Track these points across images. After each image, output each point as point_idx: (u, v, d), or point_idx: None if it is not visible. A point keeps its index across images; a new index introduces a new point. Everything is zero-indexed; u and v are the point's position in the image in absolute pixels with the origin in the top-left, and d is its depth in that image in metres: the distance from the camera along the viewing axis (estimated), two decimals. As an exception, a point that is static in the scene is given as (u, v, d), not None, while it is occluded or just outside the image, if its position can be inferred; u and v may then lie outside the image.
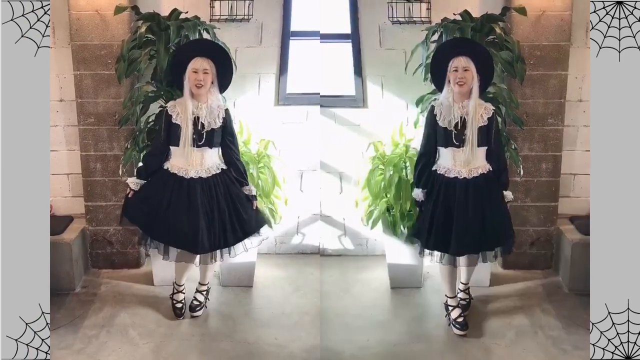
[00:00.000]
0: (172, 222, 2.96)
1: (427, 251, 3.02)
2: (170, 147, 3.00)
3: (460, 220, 2.87)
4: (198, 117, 2.95)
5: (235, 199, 3.06)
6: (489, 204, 2.91)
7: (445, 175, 2.92)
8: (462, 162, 2.89)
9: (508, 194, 3.03)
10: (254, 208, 3.14)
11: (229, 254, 3.09)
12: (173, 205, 2.96)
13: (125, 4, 3.36)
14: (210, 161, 3.02)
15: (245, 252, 3.14)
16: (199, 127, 2.95)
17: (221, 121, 3.00)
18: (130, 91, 3.40)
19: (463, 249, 2.92)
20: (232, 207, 3.04)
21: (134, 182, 3.03)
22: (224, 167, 3.08)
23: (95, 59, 3.48)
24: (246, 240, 3.10)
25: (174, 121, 2.95)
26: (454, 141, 2.87)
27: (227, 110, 3.06)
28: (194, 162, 2.97)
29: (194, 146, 2.95)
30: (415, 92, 3.50)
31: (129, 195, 3.05)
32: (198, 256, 3.10)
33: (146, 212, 2.99)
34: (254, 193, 3.16)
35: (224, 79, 3.04)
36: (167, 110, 2.99)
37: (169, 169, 3.00)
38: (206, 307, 3.27)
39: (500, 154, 3.01)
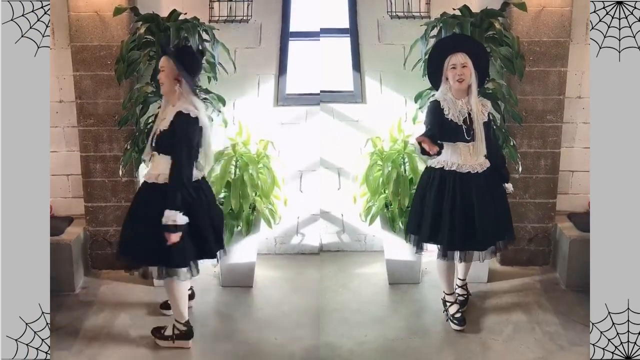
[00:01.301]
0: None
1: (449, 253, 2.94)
2: None
3: (483, 216, 2.83)
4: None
5: (207, 206, 2.83)
6: (499, 197, 2.95)
7: (458, 171, 2.87)
8: (471, 157, 2.87)
9: (509, 186, 3.04)
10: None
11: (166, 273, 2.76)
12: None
13: (124, 5, 3.38)
14: (159, 168, 2.73)
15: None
16: (154, 131, 2.78)
17: (168, 124, 2.69)
18: (130, 92, 3.41)
19: (488, 243, 2.91)
20: (210, 214, 2.82)
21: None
22: None
23: (95, 60, 3.49)
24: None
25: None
26: (465, 136, 2.84)
27: (179, 114, 2.67)
28: (150, 166, 2.82)
29: (152, 150, 2.78)
30: (414, 87, 3.50)
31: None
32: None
33: None
34: (168, 221, 2.60)
35: (189, 70, 2.74)
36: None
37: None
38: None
39: (499, 147, 3.03)
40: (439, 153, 2.73)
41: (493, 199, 2.90)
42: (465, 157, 2.88)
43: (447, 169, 2.90)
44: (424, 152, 2.70)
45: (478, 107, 2.85)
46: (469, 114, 2.84)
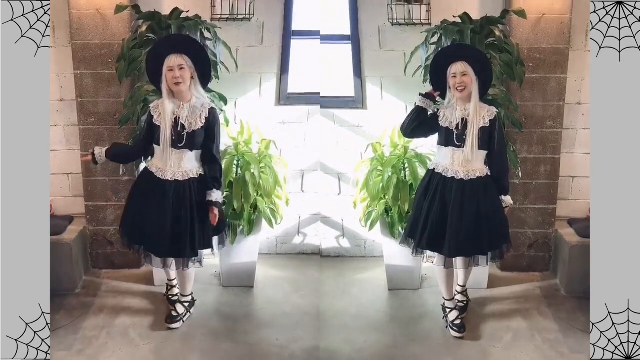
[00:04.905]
0: (142, 221, 2.92)
1: (420, 250, 3.02)
2: (154, 145, 2.93)
3: (454, 221, 2.88)
4: (178, 118, 2.84)
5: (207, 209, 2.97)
6: (485, 207, 2.90)
7: (443, 174, 2.93)
8: (460, 162, 2.90)
9: (508, 199, 3.01)
10: (216, 215, 2.92)
11: (193, 262, 3.01)
12: (145, 204, 2.92)
13: (126, 3, 3.37)
14: (189, 164, 2.90)
15: (198, 264, 3.05)
16: (179, 129, 2.84)
17: (203, 121, 2.86)
18: (131, 90, 3.41)
19: (456, 250, 2.92)
20: (202, 215, 2.93)
21: (99, 153, 2.98)
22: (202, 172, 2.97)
23: (96, 58, 3.48)
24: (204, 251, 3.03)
25: (154, 122, 2.87)
26: (455, 141, 2.89)
27: (212, 110, 2.90)
28: (172, 164, 2.87)
29: (173, 148, 2.85)
30: (414, 93, 3.44)
31: (82, 159, 3.19)
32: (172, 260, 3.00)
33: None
34: (218, 199, 2.94)
35: (203, 72, 2.90)
36: (150, 110, 2.92)
37: (149, 168, 2.96)
38: (183, 321, 3.15)
39: (503, 157, 2.99)
40: (440, 96, 2.98)
41: (475, 210, 2.87)
42: (454, 162, 2.91)
43: (436, 171, 2.97)
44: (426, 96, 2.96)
45: (479, 112, 2.87)
46: (464, 120, 2.87)
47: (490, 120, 2.88)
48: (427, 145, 3.56)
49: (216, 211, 2.92)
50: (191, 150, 2.87)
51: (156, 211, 2.88)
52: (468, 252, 2.96)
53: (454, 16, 3.35)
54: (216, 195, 2.93)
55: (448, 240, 2.89)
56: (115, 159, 3.07)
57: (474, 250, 2.95)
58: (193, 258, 2.98)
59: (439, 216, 2.91)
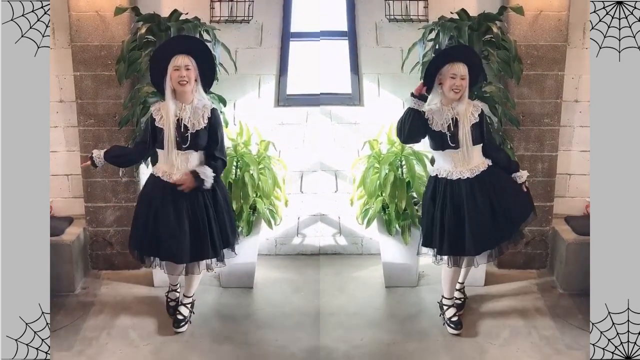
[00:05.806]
0: (157, 230, 2.88)
1: (440, 257, 3.00)
2: (157, 150, 2.93)
3: (473, 220, 2.87)
4: (181, 119, 2.85)
5: (221, 205, 2.97)
6: (496, 197, 2.92)
7: (448, 178, 2.93)
8: (461, 163, 2.90)
9: (522, 174, 2.99)
10: (186, 180, 2.85)
11: (217, 263, 3.02)
12: (158, 212, 2.88)
13: (125, 5, 3.38)
14: (193, 164, 2.90)
15: (221, 263, 3.05)
16: (182, 130, 2.84)
17: (206, 121, 2.87)
18: (131, 92, 3.42)
19: (481, 248, 2.93)
20: (216, 215, 2.94)
21: (98, 155, 2.96)
22: None
23: (96, 60, 3.50)
24: (224, 251, 3.03)
25: (157, 124, 2.87)
26: (450, 143, 2.89)
27: (214, 110, 2.92)
28: (179, 166, 2.86)
29: (178, 149, 2.85)
30: (411, 90, 3.47)
31: (82, 165, 3.14)
32: (183, 265, 2.99)
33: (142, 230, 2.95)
34: (205, 173, 2.86)
35: (207, 74, 2.92)
36: (151, 113, 2.91)
37: (155, 173, 2.94)
38: (190, 322, 3.14)
39: (496, 144, 3.05)
40: (427, 92, 2.90)
41: (488, 203, 2.89)
42: (456, 164, 2.92)
43: (440, 176, 2.96)
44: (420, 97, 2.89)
45: (467, 111, 2.88)
46: (454, 120, 2.87)
47: (478, 115, 2.91)
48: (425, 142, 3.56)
49: (190, 178, 2.83)
50: (196, 151, 2.88)
51: (171, 216, 2.86)
52: (491, 245, 2.97)
53: (451, 12, 3.36)
54: (204, 170, 2.86)
55: (472, 240, 2.88)
56: (114, 162, 3.03)
57: (496, 242, 2.96)
58: (215, 258, 2.99)
59: (454, 220, 2.90)
